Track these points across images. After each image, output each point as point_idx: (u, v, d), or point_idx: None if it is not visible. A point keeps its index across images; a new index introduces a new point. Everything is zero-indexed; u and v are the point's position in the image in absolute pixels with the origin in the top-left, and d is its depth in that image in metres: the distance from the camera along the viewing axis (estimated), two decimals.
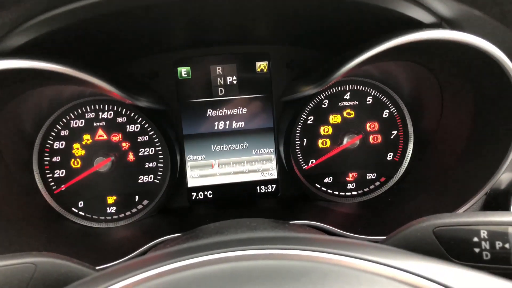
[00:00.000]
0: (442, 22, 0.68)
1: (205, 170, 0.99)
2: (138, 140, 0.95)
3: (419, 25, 0.68)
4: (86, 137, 0.94)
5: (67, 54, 0.68)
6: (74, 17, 0.62)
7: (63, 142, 0.94)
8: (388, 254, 0.41)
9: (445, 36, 0.65)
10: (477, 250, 0.56)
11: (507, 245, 0.55)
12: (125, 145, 0.95)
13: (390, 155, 1.01)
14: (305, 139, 1.00)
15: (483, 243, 0.56)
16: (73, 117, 0.94)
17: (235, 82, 0.97)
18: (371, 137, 1.00)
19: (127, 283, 0.38)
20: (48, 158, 0.93)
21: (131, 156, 0.95)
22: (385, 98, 1.00)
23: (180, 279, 0.38)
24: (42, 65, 0.60)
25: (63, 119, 0.93)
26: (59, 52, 0.67)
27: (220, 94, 0.97)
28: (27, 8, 0.60)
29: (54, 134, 0.93)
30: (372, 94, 0.99)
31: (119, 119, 0.94)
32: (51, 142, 0.93)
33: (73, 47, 0.71)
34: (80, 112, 0.94)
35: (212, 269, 0.39)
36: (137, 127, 0.95)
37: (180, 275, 0.39)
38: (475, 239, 0.56)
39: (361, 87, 0.99)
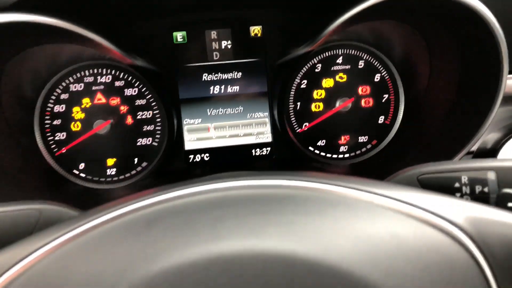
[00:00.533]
0: None
1: (202, 134, 1.02)
2: (136, 103, 0.98)
3: None
4: (86, 101, 0.96)
5: (65, 14, 0.70)
6: None
7: (63, 106, 0.96)
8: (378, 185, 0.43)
9: None
10: (458, 194, 0.59)
11: (486, 189, 0.58)
12: (123, 108, 0.98)
13: (382, 118, 1.04)
14: (298, 103, 1.03)
15: (463, 188, 0.59)
16: (72, 81, 0.96)
17: (229, 46, 0.99)
18: (363, 101, 1.03)
19: (117, 214, 0.40)
20: (49, 122, 0.96)
21: (129, 119, 0.98)
22: (376, 62, 1.02)
23: (171, 207, 0.41)
24: (42, 19, 0.63)
25: (63, 83, 0.96)
26: (57, 10, 0.69)
27: (215, 58, 1.00)
28: None
29: (54, 97, 0.96)
30: (364, 58, 1.02)
31: (117, 83, 0.97)
32: (52, 106, 0.96)
33: (70, 8, 0.73)
34: (79, 76, 0.96)
35: (202, 198, 0.41)
36: (134, 91, 0.98)
37: (170, 203, 0.41)
38: (457, 184, 0.59)
39: (353, 51, 1.01)
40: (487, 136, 0.94)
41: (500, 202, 0.53)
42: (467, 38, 0.78)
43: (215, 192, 0.41)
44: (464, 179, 0.62)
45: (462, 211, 0.40)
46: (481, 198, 0.58)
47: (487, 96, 0.78)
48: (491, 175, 0.62)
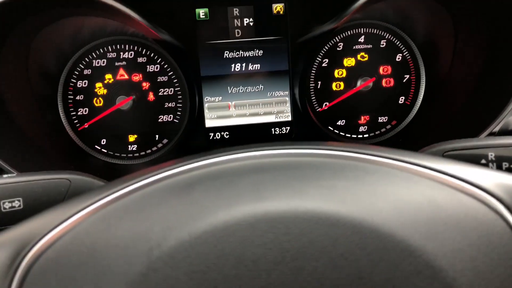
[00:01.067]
0: None
1: (222, 111, 1.03)
2: (158, 80, 0.99)
3: None
4: (108, 77, 0.97)
5: None
6: None
7: (86, 81, 0.97)
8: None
9: None
10: None
11: None
12: (145, 84, 0.99)
13: (402, 98, 1.04)
14: (319, 82, 1.03)
15: (490, 164, 0.59)
16: (95, 56, 0.97)
17: (251, 24, 0.99)
18: (383, 81, 1.03)
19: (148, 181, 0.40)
20: (72, 97, 0.98)
21: (151, 96, 0.99)
22: (398, 42, 1.02)
23: (212, 171, 0.41)
24: None
25: (86, 59, 0.97)
26: None
27: (237, 36, 1.00)
28: None
29: (77, 73, 0.97)
30: (386, 37, 1.01)
31: (140, 59, 0.98)
32: (75, 81, 0.97)
33: None
34: (102, 51, 0.97)
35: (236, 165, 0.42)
36: (156, 67, 0.98)
37: (212, 168, 0.42)
38: (483, 161, 0.60)
39: (375, 30, 1.01)
40: (509, 117, 0.94)
41: None
42: (496, 17, 0.77)
43: (254, 159, 0.42)
44: (491, 155, 0.62)
45: (495, 179, 0.41)
46: None
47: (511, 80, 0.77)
48: None
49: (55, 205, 0.43)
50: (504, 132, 0.96)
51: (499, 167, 0.59)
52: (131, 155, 1.02)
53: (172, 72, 0.99)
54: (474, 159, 0.60)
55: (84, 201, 0.40)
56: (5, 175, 0.62)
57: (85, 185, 0.61)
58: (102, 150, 1.01)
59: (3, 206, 0.61)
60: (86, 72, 0.97)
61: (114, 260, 0.34)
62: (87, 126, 0.99)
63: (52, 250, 0.37)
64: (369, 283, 0.31)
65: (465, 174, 0.41)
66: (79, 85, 0.97)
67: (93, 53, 0.97)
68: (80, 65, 0.97)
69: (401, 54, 1.02)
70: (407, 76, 1.03)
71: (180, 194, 0.38)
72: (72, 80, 0.97)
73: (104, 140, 1.00)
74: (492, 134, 0.92)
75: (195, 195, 0.37)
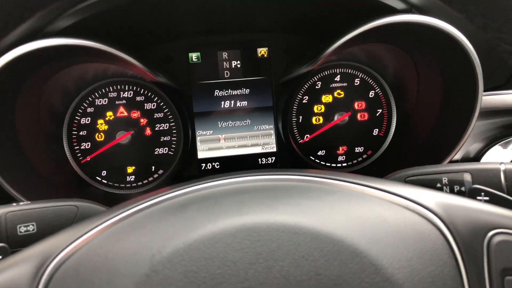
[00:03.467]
0: (412, 9, 0.82)
1: (213, 144, 1.12)
2: (155, 116, 1.09)
3: (392, 11, 0.82)
4: (109, 114, 1.07)
5: (100, 38, 0.82)
6: (107, 4, 0.76)
7: (89, 118, 1.07)
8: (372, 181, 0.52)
9: (413, 19, 0.79)
10: None
11: (463, 188, 0.69)
12: (143, 121, 1.09)
13: (376, 130, 1.15)
14: (300, 116, 1.14)
15: (444, 187, 0.69)
16: (97, 96, 1.07)
17: (239, 66, 1.11)
18: (358, 115, 1.14)
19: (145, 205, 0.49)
20: (76, 132, 1.07)
21: (148, 131, 1.09)
22: (371, 80, 1.14)
23: (202, 194, 0.51)
24: (84, 42, 0.74)
25: (89, 98, 1.07)
26: (94, 35, 0.80)
27: (226, 76, 1.11)
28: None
29: (81, 111, 1.07)
30: (360, 76, 1.13)
31: (138, 98, 1.08)
32: (79, 118, 1.07)
33: (104, 33, 0.85)
34: (103, 91, 1.07)
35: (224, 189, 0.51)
36: (153, 105, 1.09)
37: (201, 192, 0.51)
38: (438, 185, 0.70)
39: (350, 70, 1.13)
40: (470, 146, 1.05)
41: (471, 195, 0.63)
42: (447, 60, 0.90)
43: (237, 184, 0.51)
44: (445, 180, 0.72)
45: (435, 199, 0.50)
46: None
47: (466, 111, 0.89)
48: (467, 176, 0.73)
49: (68, 226, 0.51)
50: (466, 159, 1.07)
51: (452, 190, 0.69)
52: (129, 185, 1.10)
53: (167, 109, 1.09)
54: (431, 183, 0.70)
55: (96, 221, 0.49)
56: (21, 203, 0.70)
57: (91, 211, 0.69)
58: (103, 181, 1.09)
59: (19, 230, 0.69)
60: (89, 110, 1.07)
61: (123, 265, 0.42)
62: (89, 159, 1.08)
63: (71, 260, 0.45)
64: (325, 278, 0.40)
65: (410, 194, 0.50)
66: (83, 121, 1.07)
67: (95, 93, 1.07)
68: (84, 103, 1.07)
69: (373, 91, 1.14)
70: (380, 110, 1.15)
71: (176, 212, 0.47)
72: (76, 117, 1.07)
73: (105, 171, 1.09)
74: (454, 161, 1.03)
75: (188, 213, 0.46)
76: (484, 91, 0.89)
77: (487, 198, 0.60)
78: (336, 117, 1.12)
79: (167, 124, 1.10)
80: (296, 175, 0.53)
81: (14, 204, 0.71)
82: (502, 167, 0.70)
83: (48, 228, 0.70)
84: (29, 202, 0.70)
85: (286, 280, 0.40)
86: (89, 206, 0.71)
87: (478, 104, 0.87)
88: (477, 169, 0.71)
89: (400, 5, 0.81)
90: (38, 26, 0.71)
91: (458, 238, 0.46)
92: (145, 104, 1.08)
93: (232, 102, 1.12)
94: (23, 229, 0.69)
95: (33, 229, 0.69)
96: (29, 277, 0.44)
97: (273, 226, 0.43)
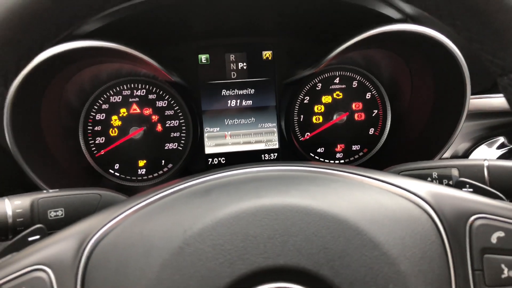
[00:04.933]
0: (408, 19, 0.90)
1: (220, 140, 1.20)
2: (166, 113, 1.16)
3: (389, 20, 0.90)
4: (123, 111, 1.14)
5: (121, 40, 0.89)
6: (130, 11, 0.83)
7: (104, 114, 1.14)
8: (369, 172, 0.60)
9: (408, 28, 0.87)
10: None
11: (450, 182, 0.76)
12: (154, 117, 1.16)
13: (372, 130, 1.23)
14: (302, 116, 1.21)
15: (434, 181, 0.76)
16: (112, 93, 1.14)
17: (245, 67, 1.18)
18: (356, 115, 1.22)
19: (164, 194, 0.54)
20: (91, 127, 1.14)
21: (159, 127, 1.16)
22: (368, 83, 1.21)
23: (223, 182, 0.57)
24: (111, 45, 0.81)
25: (104, 95, 1.14)
26: (116, 38, 0.87)
27: (233, 77, 1.18)
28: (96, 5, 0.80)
29: (96, 107, 1.14)
30: (357, 79, 1.21)
31: (150, 96, 1.15)
32: (94, 114, 1.14)
33: (124, 36, 0.91)
34: (118, 89, 1.14)
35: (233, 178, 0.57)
36: (164, 103, 1.16)
37: (223, 179, 0.58)
38: (429, 179, 0.77)
39: (348, 73, 1.20)
40: (458, 146, 1.13)
41: (457, 187, 0.70)
42: (439, 66, 0.98)
43: (252, 173, 0.59)
44: (435, 174, 0.80)
45: (426, 188, 0.57)
46: None
47: (455, 112, 0.97)
48: (455, 171, 0.81)
49: (101, 210, 0.57)
50: (454, 157, 1.15)
51: (441, 183, 0.76)
52: (140, 178, 1.17)
53: (177, 107, 1.16)
54: (422, 177, 0.77)
55: (128, 204, 0.55)
56: (50, 190, 0.77)
57: (113, 199, 0.75)
58: (115, 173, 1.16)
59: (50, 214, 0.75)
60: (104, 106, 1.14)
61: (158, 239, 0.49)
62: (103, 153, 1.14)
63: (109, 237, 0.51)
64: (331, 251, 0.47)
65: (404, 184, 0.58)
66: (98, 117, 1.14)
67: (110, 91, 1.14)
68: (99, 100, 1.14)
69: (370, 93, 1.22)
70: (376, 111, 1.22)
71: (201, 196, 0.54)
72: (91, 113, 1.13)
73: (117, 165, 1.16)
74: (443, 159, 1.11)
75: (212, 196, 0.53)
76: (472, 94, 0.97)
77: (471, 189, 0.68)
78: (335, 117, 1.20)
79: (177, 121, 1.17)
80: (304, 166, 0.60)
81: (44, 191, 0.78)
82: (486, 163, 0.78)
83: (75, 213, 0.76)
84: (57, 190, 0.77)
85: (298, 252, 0.47)
86: (110, 195, 0.78)
87: (466, 106, 0.95)
88: (464, 165, 0.79)
89: (396, 15, 0.89)
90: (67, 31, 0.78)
91: (444, 221, 0.53)
92: (157, 102, 1.15)
93: (238, 101, 1.19)
94: (53, 214, 0.76)
95: (62, 214, 0.75)
96: (73, 252, 0.50)
97: (287, 207, 0.50)
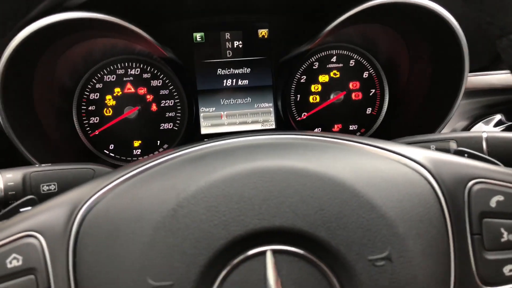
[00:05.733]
0: None
1: (215, 120, 1.18)
2: (160, 93, 1.14)
3: None
4: (117, 90, 1.13)
5: (114, 14, 0.87)
6: None
7: (98, 94, 1.12)
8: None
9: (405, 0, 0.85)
10: None
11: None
12: (149, 97, 1.14)
13: (369, 109, 1.22)
14: (298, 95, 1.20)
15: None
16: (106, 72, 1.12)
17: (240, 46, 1.16)
18: (353, 94, 1.21)
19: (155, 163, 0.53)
20: (85, 107, 1.12)
21: (154, 107, 1.15)
22: (365, 61, 1.20)
23: (218, 149, 0.56)
24: (100, 16, 0.79)
25: (98, 74, 1.12)
26: (108, 11, 0.85)
27: (228, 56, 1.17)
28: None
29: (90, 87, 1.12)
30: (355, 58, 1.20)
31: (145, 75, 1.13)
32: (88, 94, 1.12)
33: (117, 9, 0.90)
34: (111, 68, 1.12)
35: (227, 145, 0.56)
36: (159, 82, 1.14)
37: (217, 147, 0.57)
38: None
39: (345, 51, 1.19)
40: (456, 124, 1.12)
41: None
42: (437, 42, 0.97)
43: (250, 141, 0.57)
44: (433, 147, 0.79)
45: (424, 154, 0.57)
46: None
47: (453, 89, 0.96)
48: (453, 144, 0.80)
49: (98, 177, 0.56)
50: None
51: None
52: (135, 158, 1.16)
53: (172, 86, 1.15)
54: None
55: (122, 171, 0.54)
56: (43, 164, 0.76)
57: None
58: (110, 154, 1.15)
59: (42, 188, 0.75)
60: (98, 86, 1.12)
61: (150, 203, 0.48)
62: (97, 133, 1.13)
63: (101, 203, 0.50)
64: (327, 213, 0.47)
65: (402, 151, 0.57)
66: (92, 97, 1.12)
67: (104, 70, 1.12)
68: (93, 80, 1.12)
69: (367, 72, 1.21)
70: (373, 90, 1.21)
71: (196, 161, 0.53)
72: (85, 93, 1.12)
73: (112, 145, 1.15)
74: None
75: (207, 160, 0.52)
76: (470, 72, 0.97)
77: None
78: (332, 96, 1.19)
79: (172, 101, 1.15)
80: (300, 134, 0.59)
81: (37, 165, 0.77)
82: (484, 135, 0.77)
83: (68, 187, 0.75)
84: (50, 164, 0.76)
85: (294, 213, 0.46)
86: (104, 170, 0.77)
87: (464, 83, 0.94)
88: (462, 137, 0.79)
89: None
90: (58, 1, 0.76)
91: (443, 186, 0.53)
92: (152, 81, 1.14)
93: (234, 80, 1.18)
94: (45, 188, 0.75)
95: (55, 188, 0.75)
96: (65, 219, 0.49)
97: (283, 169, 0.49)
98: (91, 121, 1.13)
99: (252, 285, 0.45)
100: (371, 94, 1.21)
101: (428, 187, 0.52)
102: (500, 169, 0.55)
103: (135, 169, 0.54)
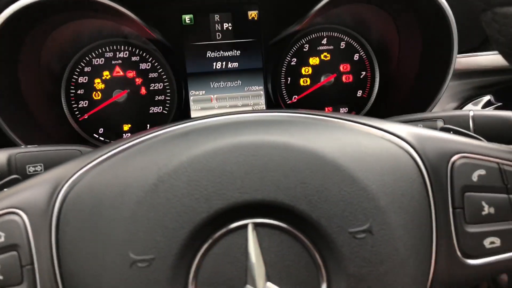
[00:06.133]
0: None
1: (205, 104, 1.18)
2: (149, 76, 1.14)
3: None
4: (106, 73, 1.12)
5: None
6: None
7: (86, 77, 1.11)
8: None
9: None
10: None
11: None
12: (138, 80, 1.13)
13: (360, 92, 1.22)
14: (289, 78, 1.20)
15: None
16: (94, 56, 1.11)
17: (230, 28, 1.15)
18: (344, 77, 1.21)
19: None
20: (74, 91, 1.11)
21: (143, 90, 1.14)
22: (355, 44, 1.20)
23: (200, 127, 0.56)
24: None
25: (86, 58, 1.11)
26: None
27: (218, 38, 1.16)
28: None
29: (78, 70, 1.11)
30: (345, 40, 1.19)
31: (134, 58, 1.12)
32: (76, 77, 1.11)
33: None
34: (100, 51, 1.11)
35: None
36: (148, 65, 1.13)
37: (199, 126, 0.57)
38: None
39: (336, 33, 1.18)
40: (446, 105, 1.12)
41: None
42: (426, 21, 0.96)
43: (234, 118, 0.57)
44: (420, 126, 0.80)
45: (407, 130, 0.57)
46: None
47: (442, 70, 0.96)
48: (440, 123, 0.80)
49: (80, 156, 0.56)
50: None
51: None
52: None
53: (161, 70, 1.14)
54: None
55: (104, 149, 0.54)
56: (28, 146, 0.75)
57: None
58: (100, 138, 1.14)
59: (28, 169, 0.74)
60: (86, 69, 1.11)
61: (132, 179, 0.48)
62: (86, 116, 1.12)
63: (84, 180, 0.49)
64: (309, 186, 0.47)
65: (385, 126, 0.57)
66: (80, 81, 1.11)
67: (92, 53, 1.11)
68: (81, 63, 1.11)
69: (358, 54, 1.20)
70: (364, 72, 1.21)
71: (178, 137, 0.53)
72: (74, 76, 1.11)
73: (102, 129, 1.14)
74: None
75: (189, 137, 0.52)
76: (460, 53, 0.96)
77: None
78: (322, 79, 1.18)
79: (162, 84, 1.14)
80: (284, 112, 0.59)
81: (23, 146, 0.76)
82: (471, 114, 0.77)
83: None
84: (36, 145, 0.75)
85: (276, 187, 0.47)
86: (92, 151, 0.77)
87: (453, 63, 0.94)
88: (449, 116, 0.79)
89: None
90: None
91: (426, 160, 0.53)
92: (140, 64, 1.13)
93: (224, 63, 1.17)
94: (31, 169, 0.74)
95: (41, 170, 0.74)
96: (47, 196, 0.49)
97: (265, 144, 0.49)
98: (80, 105, 1.12)
99: (234, 258, 0.45)
100: (361, 76, 1.21)
101: (411, 161, 0.53)
102: (483, 143, 0.56)
103: (118, 146, 0.54)
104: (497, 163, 0.52)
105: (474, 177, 0.52)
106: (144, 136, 0.55)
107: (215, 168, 0.47)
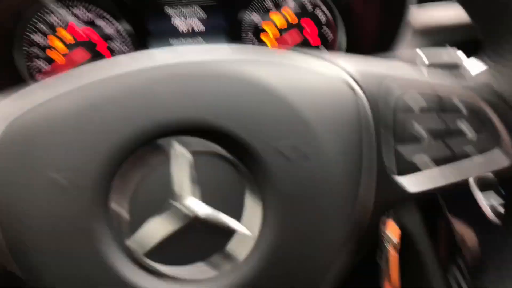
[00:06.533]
0: None
1: None
2: (107, 33, 1.10)
3: None
4: (61, 31, 1.08)
5: None
6: None
7: (40, 35, 1.08)
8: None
9: None
10: None
11: None
12: (95, 38, 1.10)
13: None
14: (252, 35, 1.17)
15: None
16: (48, 12, 1.07)
17: None
18: (306, 32, 1.19)
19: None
20: (27, 49, 1.08)
21: (101, 49, 1.11)
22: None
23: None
24: None
25: (38, 13, 1.07)
26: None
27: None
28: None
29: (31, 27, 1.07)
30: None
31: (89, 14, 1.09)
32: (29, 35, 1.07)
33: None
34: (54, 8, 1.07)
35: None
36: (106, 23, 1.10)
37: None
38: None
39: None
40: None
41: None
42: None
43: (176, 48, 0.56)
44: None
45: (344, 58, 0.56)
46: None
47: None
48: None
49: None
50: None
51: None
52: None
53: (121, 28, 1.10)
54: None
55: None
56: None
57: None
58: None
59: None
60: (39, 26, 1.07)
61: (57, 104, 0.46)
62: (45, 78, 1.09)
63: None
64: (239, 107, 0.45)
65: (323, 55, 0.56)
66: (34, 38, 1.07)
67: (45, 9, 1.07)
68: (34, 19, 1.07)
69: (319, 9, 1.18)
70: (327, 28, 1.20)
71: (107, 62, 0.51)
72: (26, 33, 1.07)
73: None
74: None
75: (117, 60, 0.50)
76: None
77: None
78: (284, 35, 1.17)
79: (121, 43, 1.11)
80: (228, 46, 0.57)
81: None
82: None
83: None
84: None
85: (204, 108, 0.45)
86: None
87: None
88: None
89: None
90: None
91: (369, 96, 0.52)
92: (96, 20, 1.09)
93: (185, 21, 1.14)
94: None
95: None
96: None
97: (199, 68, 0.47)
98: (35, 65, 1.08)
99: (157, 176, 0.44)
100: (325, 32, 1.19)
101: (345, 85, 0.52)
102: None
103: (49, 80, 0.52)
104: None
105: (407, 98, 0.52)
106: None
107: (140, 88, 0.46)
